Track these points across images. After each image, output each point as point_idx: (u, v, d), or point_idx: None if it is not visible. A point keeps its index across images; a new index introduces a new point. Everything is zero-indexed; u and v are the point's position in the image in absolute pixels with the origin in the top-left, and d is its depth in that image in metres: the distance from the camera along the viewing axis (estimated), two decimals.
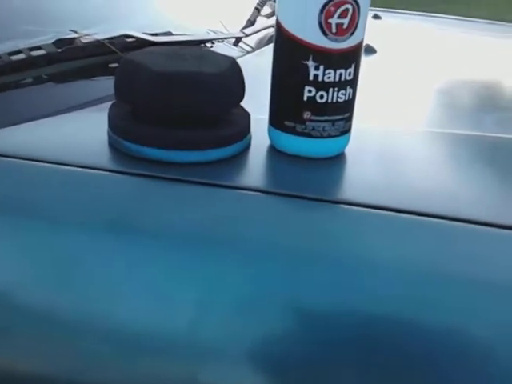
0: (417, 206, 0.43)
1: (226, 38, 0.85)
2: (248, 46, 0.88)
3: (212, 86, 0.45)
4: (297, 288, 0.39)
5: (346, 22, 0.45)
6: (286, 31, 0.46)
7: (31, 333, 0.42)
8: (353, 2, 0.45)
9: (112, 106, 0.49)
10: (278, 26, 0.47)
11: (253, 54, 0.86)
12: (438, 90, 0.79)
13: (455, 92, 0.81)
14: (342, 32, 0.45)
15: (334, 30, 0.45)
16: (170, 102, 0.45)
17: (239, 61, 0.81)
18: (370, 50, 0.90)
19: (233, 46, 0.87)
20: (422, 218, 0.42)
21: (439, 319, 0.37)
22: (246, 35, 0.88)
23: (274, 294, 0.39)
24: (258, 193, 0.45)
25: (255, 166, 0.49)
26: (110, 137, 0.49)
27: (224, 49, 0.84)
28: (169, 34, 0.76)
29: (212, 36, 0.84)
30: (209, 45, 0.83)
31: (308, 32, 0.45)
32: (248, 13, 0.96)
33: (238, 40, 0.88)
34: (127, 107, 0.48)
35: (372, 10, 1.40)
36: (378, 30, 1.17)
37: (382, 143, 0.56)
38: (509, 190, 0.49)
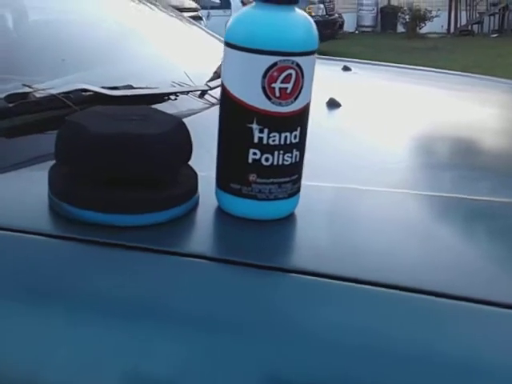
0: (367, 275, 0.42)
1: (189, 92, 0.85)
2: (214, 98, 0.88)
3: (153, 148, 0.45)
4: (240, 360, 0.37)
5: (289, 86, 0.45)
6: (231, 94, 0.46)
7: None
8: (296, 68, 0.45)
9: (53, 166, 0.48)
10: (223, 89, 0.47)
11: (217, 106, 0.86)
12: (398, 146, 0.79)
13: (416, 148, 0.82)
14: (286, 96, 0.45)
15: (277, 95, 0.45)
16: (109, 165, 0.44)
17: (203, 114, 0.82)
18: (335, 104, 0.91)
19: (198, 99, 0.87)
20: (372, 287, 0.41)
21: None
22: (211, 88, 0.88)
23: (216, 367, 0.37)
24: (201, 259, 0.43)
25: (200, 230, 0.48)
26: (50, 199, 0.47)
27: (189, 101, 0.84)
28: (129, 87, 0.76)
29: (175, 89, 0.84)
30: (173, 97, 0.83)
31: (252, 96, 0.45)
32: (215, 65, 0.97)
33: (203, 93, 0.88)
34: (66, 168, 0.47)
35: (343, 61, 1.42)
36: (346, 82, 1.19)
37: (335, 203, 0.55)
38: (467, 256, 0.48)
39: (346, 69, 1.28)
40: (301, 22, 0.46)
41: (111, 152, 0.44)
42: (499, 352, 0.38)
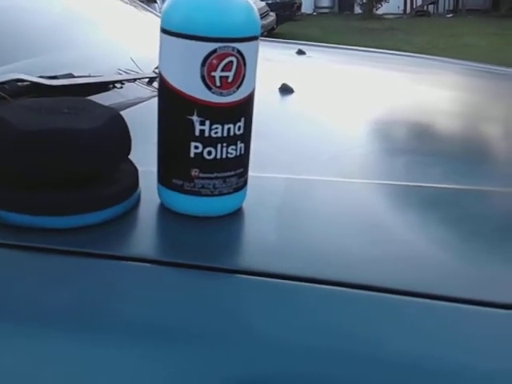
0: (319, 273, 0.40)
1: (136, 79, 0.81)
2: None
3: (84, 144, 0.41)
4: (180, 367, 0.35)
5: (230, 75, 0.42)
6: (169, 85, 0.43)
7: None
8: (237, 55, 0.42)
9: None
10: (161, 79, 0.44)
11: None
12: (351, 133, 0.78)
13: (370, 135, 0.80)
14: (227, 86, 0.42)
15: (218, 84, 0.42)
16: (33, 164, 0.40)
17: (151, 102, 0.79)
18: (287, 90, 0.88)
19: (145, 86, 0.83)
20: (323, 286, 0.39)
21: None
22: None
23: (158, 375, 0.35)
24: (142, 263, 0.41)
25: (140, 230, 0.45)
26: None
27: (136, 89, 0.80)
28: (70, 76, 0.72)
29: (121, 77, 0.80)
30: (118, 86, 0.79)
31: (191, 86, 0.42)
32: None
33: (151, 80, 0.85)
34: None
35: (297, 44, 1.40)
36: (300, 66, 1.17)
37: (285, 196, 0.53)
38: (420, 250, 0.46)
39: (300, 52, 1.26)
40: (241, 5, 0.43)
41: (36, 150, 0.40)
42: (453, 347, 0.36)
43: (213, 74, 0.42)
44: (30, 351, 0.36)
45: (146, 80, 0.83)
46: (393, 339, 0.36)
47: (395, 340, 0.36)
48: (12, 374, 0.35)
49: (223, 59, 0.41)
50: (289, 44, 1.44)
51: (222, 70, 0.42)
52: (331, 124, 0.79)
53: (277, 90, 0.88)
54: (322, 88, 0.98)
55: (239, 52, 0.42)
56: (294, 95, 0.88)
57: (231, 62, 0.42)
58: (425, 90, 1.05)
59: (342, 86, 1.02)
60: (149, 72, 0.84)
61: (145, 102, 0.76)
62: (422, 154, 0.69)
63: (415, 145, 0.75)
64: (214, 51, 0.41)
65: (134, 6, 1.28)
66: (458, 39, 6.71)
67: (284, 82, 0.90)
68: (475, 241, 0.48)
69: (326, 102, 0.90)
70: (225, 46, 0.41)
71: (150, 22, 1.19)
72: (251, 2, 0.44)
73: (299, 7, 9.61)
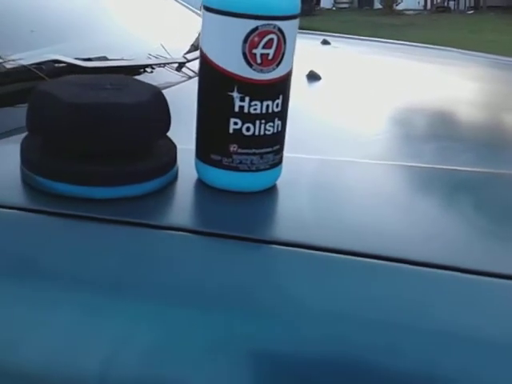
0: (350, 245, 0.41)
1: (166, 64, 0.83)
2: (191, 71, 0.86)
3: (129, 118, 0.43)
4: (219, 334, 0.36)
5: (271, 52, 0.43)
6: (210, 61, 0.44)
7: None
8: (278, 32, 0.43)
9: (25, 138, 0.46)
10: (202, 56, 0.45)
11: (195, 79, 0.84)
12: (380, 118, 0.78)
13: (397, 121, 0.81)
14: (268, 63, 0.43)
15: (258, 61, 0.43)
16: (82, 136, 0.42)
17: (180, 86, 0.80)
18: (315, 77, 0.89)
19: (175, 72, 0.85)
20: (355, 258, 0.40)
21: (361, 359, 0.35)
22: (188, 60, 0.86)
23: (196, 340, 0.36)
24: (180, 232, 0.42)
25: (179, 202, 0.47)
26: (22, 172, 0.45)
27: (166, 74, 0.82)
28: (104, 58, 0.74)
29: (151, 61, 0.82)
30: (149, 70, 0.81)
31: (232, 62, 0.43)
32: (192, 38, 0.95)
33: (180, 65, 0.86)
34: (40, 140, 0.45)
35: (322, 35, 1.40)
36: (326, 55, 1.18)
37: (317, 175, 0.54)
38: (450, 226, 0.47)
39: (325, 42, 1.27)
40: None
41: (85, 123, 0.41)
42: (482, 318, 0.37)
43: (254, 51, 0.43)
44: (75, 316, 0.37)
45: (175, 66, 0.85)
46: (428, 310, 0.37)
47: (430, 311, 0.37)
48: (58, 337, 0.37)
49: (264, 36, 0.42)
50: (313, 35, 1.45)
51: (263, 48, 0.43)
52: (358, 110, 0.79)
53: (304, 77, 0.89)
54: (348, 76, 0.99)
55: (280, 30, 0.43)
56: (321, 82, 0.89)
57: (272, 39, 0.43)
58: (451, 80, 1.05)
59: (368, 74, 1.02)
60: (178, 57, 0.86)
61: (175, 86, 0.78)
62: (449, 140, 0.70)
63: (441, 131, 0.76)
64: (256, 29, 0.42)
65: None
66: (480, 36, 6.65)
67: (311, 69, 0.91)
68: (503, 221, 0.49)
69: (352, 89, 0.90)
70: (266, 24, 0.42)
71: (177, 11, 1.21)
72: None
73: (318, 1, 9.58)
